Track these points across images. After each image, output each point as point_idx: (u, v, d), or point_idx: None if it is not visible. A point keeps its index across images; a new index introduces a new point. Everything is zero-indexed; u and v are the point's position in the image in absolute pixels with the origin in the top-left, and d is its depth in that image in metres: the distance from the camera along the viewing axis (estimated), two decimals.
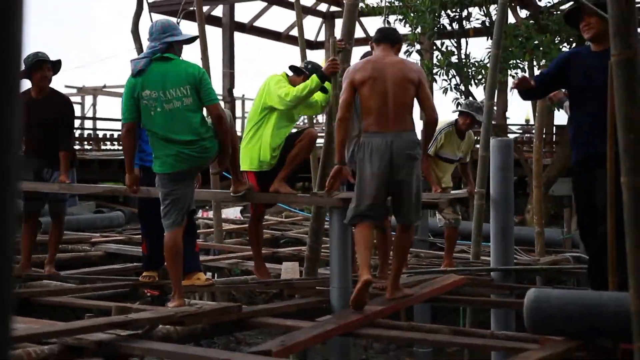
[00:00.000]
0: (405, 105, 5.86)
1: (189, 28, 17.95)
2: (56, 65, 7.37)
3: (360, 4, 11.50)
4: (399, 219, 6.10)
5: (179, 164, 5.71)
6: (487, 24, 14.42)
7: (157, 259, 7.04)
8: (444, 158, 8.73)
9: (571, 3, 19.50)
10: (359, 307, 5.59)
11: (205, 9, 17.12)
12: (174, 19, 17.96)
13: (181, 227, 5.93)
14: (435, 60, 13.79)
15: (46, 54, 7.26)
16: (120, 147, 20.41)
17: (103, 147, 20.81)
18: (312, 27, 22.96)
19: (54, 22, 49.41)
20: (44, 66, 7.20)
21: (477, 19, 14.81)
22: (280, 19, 23.94)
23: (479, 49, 14.83)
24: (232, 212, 14.69)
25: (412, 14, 13.44)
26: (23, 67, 7.14)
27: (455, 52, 14.25)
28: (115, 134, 21.29)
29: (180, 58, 5.95)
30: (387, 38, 6.13)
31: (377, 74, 5.79)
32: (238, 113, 25.07)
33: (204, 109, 5.90)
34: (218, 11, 20.71)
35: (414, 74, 5.92)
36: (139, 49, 17.27)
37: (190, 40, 6.26)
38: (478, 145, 9.11)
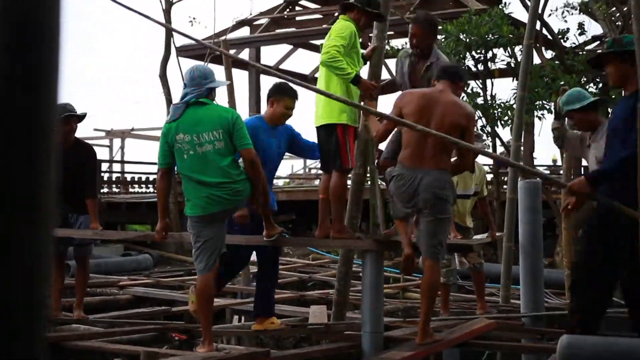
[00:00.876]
0: (444, 148, 5.78)
1: (215, 71, 18.15)
2: (81, 118, 7.57)
3: (386, 47, 11.56)
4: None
5: (210, 206, 5.72)
6: (513, 65, 14.44)
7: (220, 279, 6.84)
8: (459, 195, 8.62)
9: (597, 43, 19.54)
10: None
11: (232, 51, 17.34)
12: (201, 63, 18.18)
13: (213, 271, 5.91)
14: None
15: (74, 107, 7.42)
16: (149, 190, 20.68)
17: (131, 190, 20.96)
18: None
19: (85, 74, 50.18)
20: (72, 120, 7.38)
21: (502, 60, 14.85)
22: (306, 61, 24.18)
23: (504, 90, 14.92)
24: None
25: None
26: None
27: (481, 94, 14.26)
28: (143, 177, 21.44)
29: (215, 102, 6.03)
30: (447, 74, 6.01)
31: (425, 110, 5.69)
32: None
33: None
34: (245, 54, 20.95)
35: (463, 120, 5.80)
36: (167, 93, 17.57)
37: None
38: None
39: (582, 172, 19.88)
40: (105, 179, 20.03)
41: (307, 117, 6.49)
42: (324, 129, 5.97)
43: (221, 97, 11.90)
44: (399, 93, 6.29)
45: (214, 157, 5.68)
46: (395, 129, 6.15)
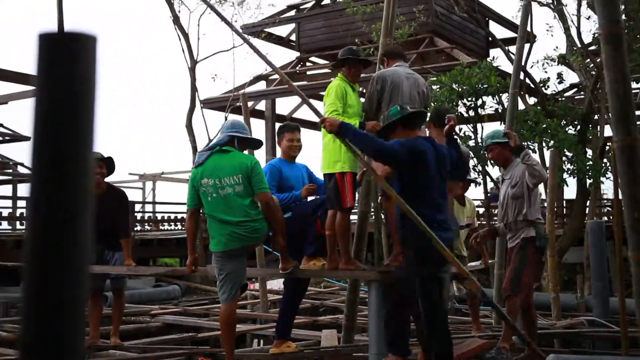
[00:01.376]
0: None
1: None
2: (109, 163, 7.54)
3: None
4: None
5: (231, 242, 5.74)
6: (500, 110, 14.48)
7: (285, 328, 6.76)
8: None
9: (574, 90, 19.58)
10: None
11: (250, 104, 17.48)
12: (222, 113, 18.29)
13: (235, 300, 5.93)
14: None
15: (100, 153, 7.44)
16: (177, 227, 20.72)
17: (161, 227, 20.99)
18: None
19: (120, 120, 50.69)
20: (99, 165, 7.38)
21: (491, 107, 14.90)
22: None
23: None
24: (276, 284, 14.62)
25: (432, 104, 13.55)
26: None
27: (472, 137, 14.29)
28: (172, 216, 21.49)
29: (238, 151, 6.06)
30: (438, 120, 6.03)
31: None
32: None
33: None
34: (261, 105, 21.09)
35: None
36: (193, 140, 17.67)
37: (255, 142, 6.54)
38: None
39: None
40: (138, 218, 20.06)
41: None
42: (326, 176, 5.98)
43: None
44: None
45: (235, 199, 5.72)
46: None
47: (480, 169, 14.49)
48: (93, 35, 0.87)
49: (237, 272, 5.85)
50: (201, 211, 6.10)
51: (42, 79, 0.83)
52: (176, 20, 17.70)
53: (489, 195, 15.74)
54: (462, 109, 14.23)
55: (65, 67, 0.87)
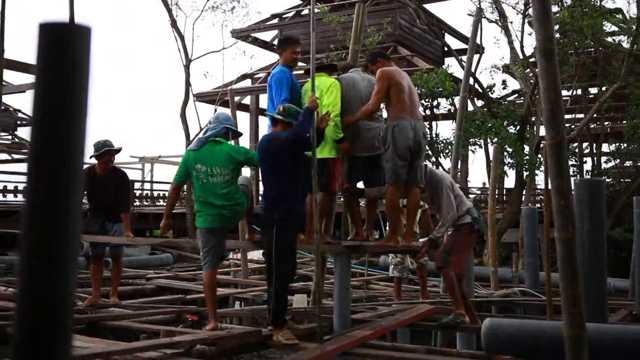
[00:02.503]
0: None
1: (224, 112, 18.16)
2: (118, 151, 7.51)
3: None
4: None
5: (216, 221, 5.78)
6: (452, 111, 14.56)
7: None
8: None
9: (515, 95, 19.71)
10: None
11: (236, 98, 17.35)
12: (212, 106, 18.12)
13: (216, 268, 5.97)
14: None
15: (112, 143, 7.37)
16: None
17: (157, 204, 20.82)
18: None
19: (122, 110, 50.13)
20: (111, 153, 7.34)
21: (445, 107, 14.98)
22: None
23: (446, 130, 15.05)
24: (256, 254, 14.60)
25: None
26: (93, 150, 7.28)
27: (428, 133, 14.35)
28: (167, 193, 21.33)
29: (229, 142, 6.00)
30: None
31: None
32: None
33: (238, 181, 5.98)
34: (247, 100, 20.96)
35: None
36: (186, 128, 17.52)
37: (238, 134, 6.40)
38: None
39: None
40: (137, 195, 19.87)
41: None
42: (319, 161, 5.82)
43: None
44: None
45: (223, 186, 5.73)
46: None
47: (435, 160, 14.58)
48: (88, 27, 0.86)
49: (219, 246, 5.90)
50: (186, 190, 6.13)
51: (41, 64, 0.81)
52: (174, 23, 17.49)
53: None
54: (420, 109, 14.28)
55: (62, 54, 0.86)
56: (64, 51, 0.87)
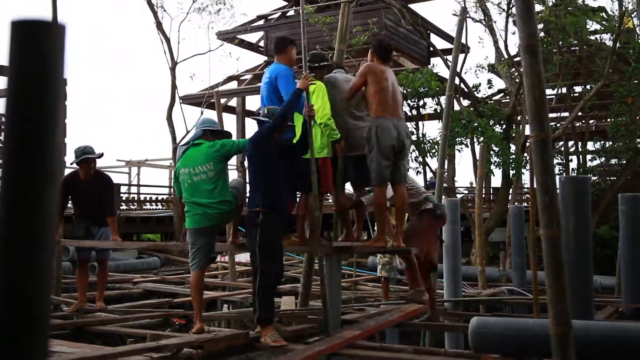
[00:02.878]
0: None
1: (210, 115, 18.10)
2: (99, 156, 7.44)
3: None
4: None
5: (203, 221, 5.75)
6: (438, 110, 14.60)
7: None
8: None
9: (501, 95, 19.81)
10: None
11: (223, 100, 17.31)
12: (199, 108, 18.07)
13: (203, 269, 5.95)
14: None
15: (93, 148, 7.30)
16: (158, 207, 20.51)
17: (144, 207, 20.70)
18: None
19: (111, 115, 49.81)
20: (91, 160, 7.27)
21: (431, 107, 15.03)
22: None
23: (432, 129, 15.13)
24: (244, 256, 14.55)
25: None
26: (73, 157, 7.23)
27: (415, 132, 14.38)
28: (154, 197, 21.22)
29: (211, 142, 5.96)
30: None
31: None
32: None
33: (227, 180, 5.94)
34: (233, 102, 20.92)
35: None
36: (172, 132, 17.44)
37: (226, 134, 6.31)
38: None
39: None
40: (123, 198, 19.74)
41: None
42: (309, 161, 5.80)
43: None
44: None
45: (206, 184, 5.73)
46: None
47: (421, 160, 14.62)
48: (62, 24, 0.84)
49: (207, 247, 5.88)
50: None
51: (13, 63, 0.80)
52: (159, 25, 17.41)
53: (427, 182, 15.89)
54: (406, 109, 14.31)
55: (35, 52, 0.84)
56: (37, 49, 0.86)
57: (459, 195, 19.68)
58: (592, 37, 15.87)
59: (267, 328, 5.36)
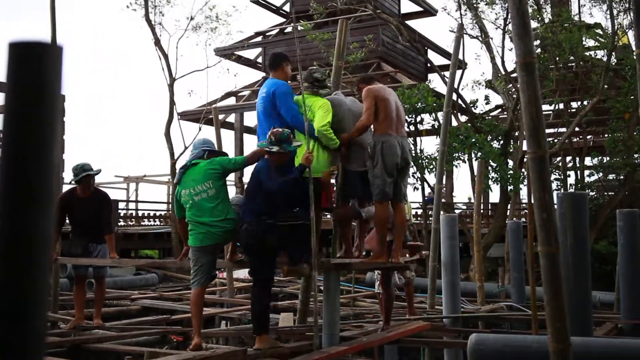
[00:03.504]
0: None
1: (208, 131, 18.14)
2: (97, 173, 7.44)
3: None
4: None
5: (206, 239, 5.78)
6: (436, 126, 14.63)
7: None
8: None
9: (499, 110, 19.88)
10: None
11: (221, 116, 17.35)
12: (197, 124, 18.09)
13: (204, 286, 5.98)
14: None
15: (91, 166, 7.31)
16: (156, 223, 20.48)
17: (142, 223, 20.67)
18: None
19: (108, 129, 49.88)
20: (89, 177, 7.27)
21: (428, 123, 15.06)
22: None
23: (430, 145, 15.15)
24: (242, 272, 14.50)
25: None
26: (72, 174, 7.24)
27: (412, 148, 14.40)
28: (152, 213, 21.19)
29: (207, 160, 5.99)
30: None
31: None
32: None
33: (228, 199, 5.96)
34: (231, 118, 20.96)
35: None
36: (170, 147, 17.46)
37: (222, 154, 6.37)
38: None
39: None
40: (121, 214, 19.71)
41: None
42: (312, 180, 5.81)
43: None
44: None
45: (207, 203, 5.75)
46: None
47: (419, 175, 14.63)
48: (59, 45, 0.85)
49: (209, 265, 5.91)
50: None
51: (11, 83, 0.80)
52: (157, 42, 17.49)
53: (426, 198, 15.89)
54: (405, 126, 14.33)
55: (32, 73, 0.85)
56: (35, 70, 0.87)
57: (457, 211, 19.67)
58: (588, 54, 15.96)
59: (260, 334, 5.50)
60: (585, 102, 15.58)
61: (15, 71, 0.83)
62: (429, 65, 18.92)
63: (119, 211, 19.20)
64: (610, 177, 16.82)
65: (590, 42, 16.25)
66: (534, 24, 14.59)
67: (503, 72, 15.80)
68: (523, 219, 17.18)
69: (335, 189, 6.27)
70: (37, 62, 0.83)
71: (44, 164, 0.87)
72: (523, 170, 14.06)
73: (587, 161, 17.54)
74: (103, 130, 48.92)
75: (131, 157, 46.33)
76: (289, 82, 6.29)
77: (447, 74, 14.24)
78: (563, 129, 16.12)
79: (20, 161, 0.87)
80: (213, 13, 17.92)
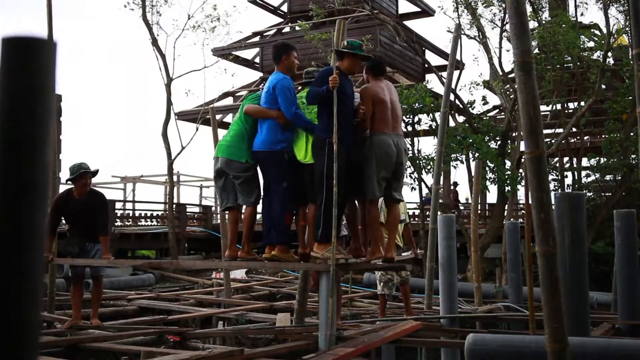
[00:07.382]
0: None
1: (206, 131, 18.09)
2: (95, 173, 7.42)
3: None
4: None
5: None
6: (433, 127, 14.64)
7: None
8: None
9: (496, 111, 19.89)
10: None
11: (218, 116, 17.33)
12: (194, 124, 18.06)
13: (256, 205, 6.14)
14: None
15: (88, 165, 7.30)
16: (153, 223, 20.44)
17: (139, 224, 20.62)
18: None
19: (106, 128, 49.80)
20: (87, 176, 7.25)
21: (426, 123, 15.08)
22: None
23: (427, 145, 15.15)
24: (239, 273, 14.51)
25: None
26: (69, 174, 7.22)
27: (410, 149, 14.40)
28: (149, 213, 21.15)
29: None
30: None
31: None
32: None
33: None
34: (228, 118, 20.94)
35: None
36: (167, 147, 17.43)
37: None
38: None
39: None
40: (118, 215, 19.66)
41: None
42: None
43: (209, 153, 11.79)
44: None
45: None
46: None
47: (417, 176, 14.63)
48: (54, 41, 0.84)
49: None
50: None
51: (4, 79, 0.79)
52: (155, 42, 17.47)
53: (423, 198, 15.90)
54: (402, 125, 14.34)
55: (26, 69, 0.84)
56: (29, 66, 0.86)
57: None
58: (586, 54, 15.99)
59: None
60: (582, 103, 15.61)
61: (9, 66, 0.82)
62: (426, 65, 18.91)
63: (116, 211, 19.16)
64: (608, 178, 16.84)
65: (589, 43, 16.27)
66: (531, 24, 14.61)
67: (500, 73, 15.81)
68: (520, 220, 17.20)
69: None
70: (31, 57, 0.82)
71: (38, 160, 0.86)
72: (520, 170, 14.07)
73: (584, 162, 17.57)
74: (100, 130, 48.85)
75: (128, 157, 46.26)
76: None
77: (444, 74, 14.25)
78: (560, 130, 16.14)
79: (13, 157, 0.86)
80: (215, 13, 17.86)
